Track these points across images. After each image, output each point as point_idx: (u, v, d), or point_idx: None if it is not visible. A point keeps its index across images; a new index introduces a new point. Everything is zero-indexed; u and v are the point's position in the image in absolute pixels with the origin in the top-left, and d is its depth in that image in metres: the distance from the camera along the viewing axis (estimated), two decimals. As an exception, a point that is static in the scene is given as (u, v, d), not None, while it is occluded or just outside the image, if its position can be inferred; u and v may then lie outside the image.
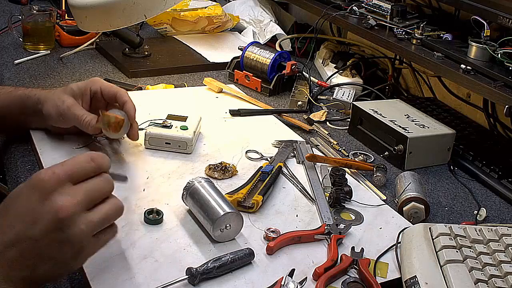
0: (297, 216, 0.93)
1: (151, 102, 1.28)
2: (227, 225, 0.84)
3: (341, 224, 0.89)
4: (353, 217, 0.95)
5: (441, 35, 1.34)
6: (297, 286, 0.76)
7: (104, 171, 0.68)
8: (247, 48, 1.49)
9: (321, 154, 1.15)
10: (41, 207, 0.63)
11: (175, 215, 0.89)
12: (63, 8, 1.73)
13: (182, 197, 0.90)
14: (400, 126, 1.16)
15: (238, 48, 1.53)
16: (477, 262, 0.79)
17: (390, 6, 1.42)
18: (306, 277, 0.78)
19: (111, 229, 0.69)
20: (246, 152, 1.11)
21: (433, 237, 0.84)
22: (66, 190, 0.64)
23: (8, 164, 1.04)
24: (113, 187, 0.69)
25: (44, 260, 0.64)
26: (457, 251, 0.81)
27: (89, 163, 0.67)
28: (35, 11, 1.56)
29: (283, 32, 1.77)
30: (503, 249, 0.81)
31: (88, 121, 0.99)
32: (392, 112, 1.23)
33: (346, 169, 1.07)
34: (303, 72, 1.49)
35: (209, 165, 1.03)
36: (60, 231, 0.63)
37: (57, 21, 1.64)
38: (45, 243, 0.63)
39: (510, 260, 0.79)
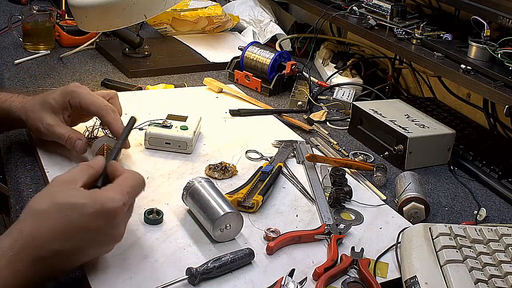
0: (297, 216, 0.93)
1: (151, 102, 1.28)
2: (227, 225, 0.84)
3: (341, 224, 0.89)
4: (353, 217, 0.95)
5: (441, 35, 1.34)
6: (297, 286, 0.76)
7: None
8: (247, 48, 1.49)
9: (321, 154, 1.15)
10: (108, 232, 0.71)
11: (175, 215, 0.89)
12: (63, 8, 1.73)
13: (182, 197, 0.90)
14: (400, 126, 1.16)
15: (238, 48, 1.53)
16: (477, 262, 0.79)
17: (390, 6, 1.42)
18: (306, 277, 0.78)
19: None
20: (246, 152, 1.11)
21: (433, 237, 0.84)
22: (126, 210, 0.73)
23: (8, 164, 1.03)
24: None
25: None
26: (457, 251, 0.81)
27: (142, 186, 0.77)
28: (35, 11, 1.56)
29: (283, 32, 1.77)
30: (503, 249, 0.81)
31: (72, 139, 0.96)
32: (392, 112, 1.23)
33: (346, 169, 1.07)
34: (303, 72, 1.49)
35: (209, 165, 1.03)
36: (108, 235, 0.73)
37: (57, 21, 1.64)
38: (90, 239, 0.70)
39: (510, 260, 0.79)
